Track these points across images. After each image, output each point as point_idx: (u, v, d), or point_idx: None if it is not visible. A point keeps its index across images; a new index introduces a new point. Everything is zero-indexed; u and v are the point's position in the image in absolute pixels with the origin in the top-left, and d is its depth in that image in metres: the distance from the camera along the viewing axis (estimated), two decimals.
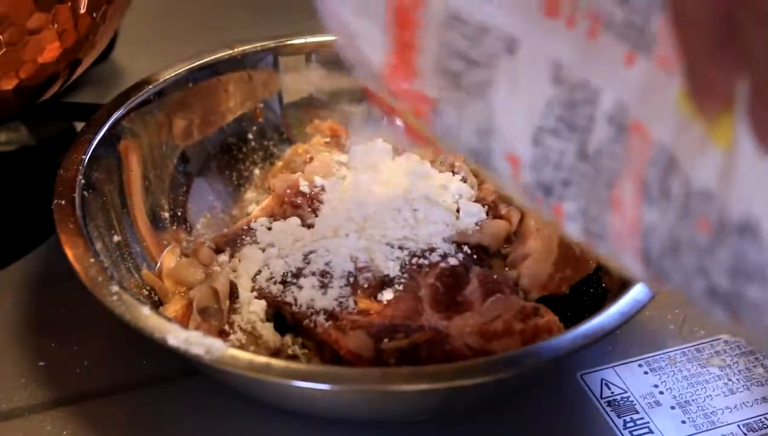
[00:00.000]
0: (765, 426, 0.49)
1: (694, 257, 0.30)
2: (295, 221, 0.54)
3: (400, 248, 0.52)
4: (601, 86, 0.30)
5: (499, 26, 0.32)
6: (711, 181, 0.29)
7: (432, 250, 0.52)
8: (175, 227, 0.57)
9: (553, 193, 0.33)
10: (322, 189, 0.55)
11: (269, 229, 0.54)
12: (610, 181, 0.30)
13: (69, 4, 0.53)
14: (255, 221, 0.55)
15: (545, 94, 0.31)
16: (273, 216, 0.55)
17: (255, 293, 0.51)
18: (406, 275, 0.51)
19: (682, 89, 0.29)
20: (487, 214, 0.54)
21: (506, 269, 0.53)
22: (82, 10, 0.54)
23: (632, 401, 0.50)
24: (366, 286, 0.50)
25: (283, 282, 0.51)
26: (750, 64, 0.27)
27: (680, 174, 0.29)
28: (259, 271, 0.52)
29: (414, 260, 0.51)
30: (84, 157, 0.53)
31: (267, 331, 0.50)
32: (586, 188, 0.31)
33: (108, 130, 0.55)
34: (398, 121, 0.37)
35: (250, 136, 0.61)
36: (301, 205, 0.55)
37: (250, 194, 0.60)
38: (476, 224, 0.54)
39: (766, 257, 0.28)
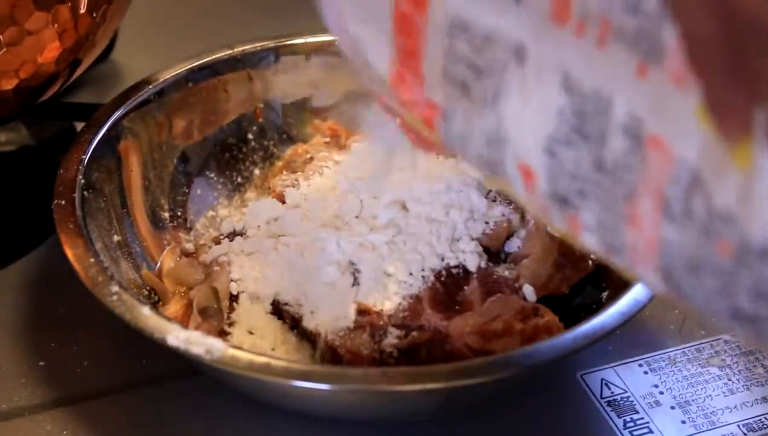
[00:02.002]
0: (765, 426, 0.49)
1: (716, 280, 0.29)
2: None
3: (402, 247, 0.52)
4: (612, 96, 0.29)
5: (505, 33, 0.31)
6: (732, 202, 0.28)
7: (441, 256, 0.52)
8: (175, 227, 0.57)
9: (570, 204, 0.33)
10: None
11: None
12: (628, 194, 0.30)
13: (69, 4, 0.53)
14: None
15: (556, 104, 0.30)
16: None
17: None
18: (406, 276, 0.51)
19: (701, 105, 0.28)
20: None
21: (506, 269, 0.53)
22: (82, 10, 0.54)
23: (632, 401, 0.50)
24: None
25: None
26: (764, 91, 0.26)
27: (704, 193, 0.29)
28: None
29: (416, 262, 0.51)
30: (84, 157, 0.53)
31: (267, 329, 0.50)
32: (603, 200, 0.30)
33: (108, 130, 0.55)
34: (406, 127, 0.37)
35: (250, 136, 0.61)
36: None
37: (250, 194, 0.60)
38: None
39: None
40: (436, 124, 0.35)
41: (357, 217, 0.53)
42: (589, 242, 0.33)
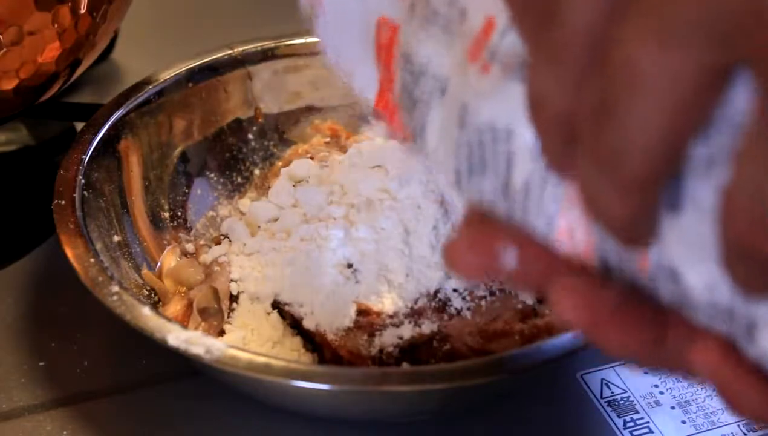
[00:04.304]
0: (765, 426, 0.49)
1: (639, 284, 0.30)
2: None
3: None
4: (511, 125, 0.30)
5: (435, 67, 0.32)
6: None
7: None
8: (175, 227, 0.57)
9: None
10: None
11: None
12: (551, 215, 0.30)
13: (69, 4, 0.53)
14: None
15: (455, 138, 0.31)
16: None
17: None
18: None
19: None
20: None
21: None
22: (82, 10, 0.54)
23: (632, 401, 0.50)
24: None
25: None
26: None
27: None
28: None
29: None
30: (84, 157, 0.53)
31: (267, 329, 0.50)
32: (519, 221, 0.31)
33: (108, 130, 0.55)
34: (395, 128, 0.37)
35: (250, 136, 0.61)
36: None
37: (250, 194, 0.60)
38: None
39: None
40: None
41: (357, 217, 0.53)
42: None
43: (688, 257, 0.27)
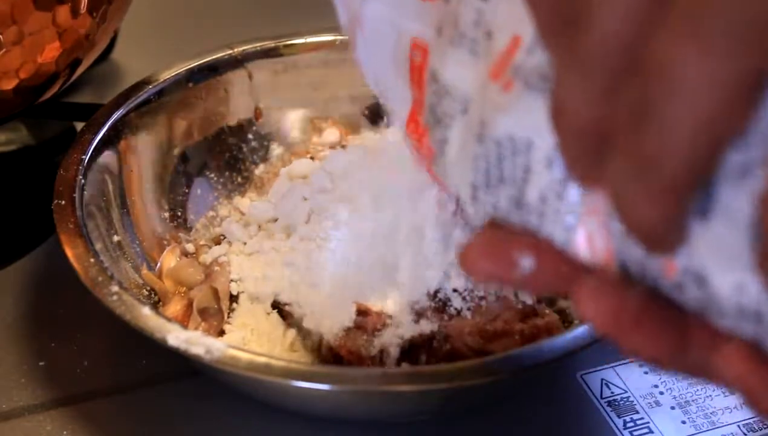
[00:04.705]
0: (765, 426, 0.49)
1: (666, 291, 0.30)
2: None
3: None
4: (531, 137, 0.30)
5: (459, 88, 0.33)
6: None
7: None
8: (175, 227, 0.57)
9: None
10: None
11: None
12: (570, 224, 0.31)
13: (69, 4, 0.53)
14: None
15: (473, 152, 0.32)
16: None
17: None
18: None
19: None
20: None
21: None
22: (82, 10, 0.54)
23: (632, 401, 0.50)
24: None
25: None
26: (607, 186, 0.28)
27: None
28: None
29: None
30: (84, 157, 0.53)
31: (267, 329, 0.50)
32: (535, 231, 0.32)
33: (108, 130, 0.55)
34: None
35: (250, 136, 0.61)
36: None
37: (250, 194, 0.60)
38: None
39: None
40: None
41: (357, 216, 0.53)
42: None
43: (716, 262, 0.28)
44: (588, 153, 0.28)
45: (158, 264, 0.54)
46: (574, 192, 0.30)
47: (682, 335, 0.29)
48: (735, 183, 0.26)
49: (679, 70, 0.25)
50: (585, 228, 0.30)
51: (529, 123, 0.30)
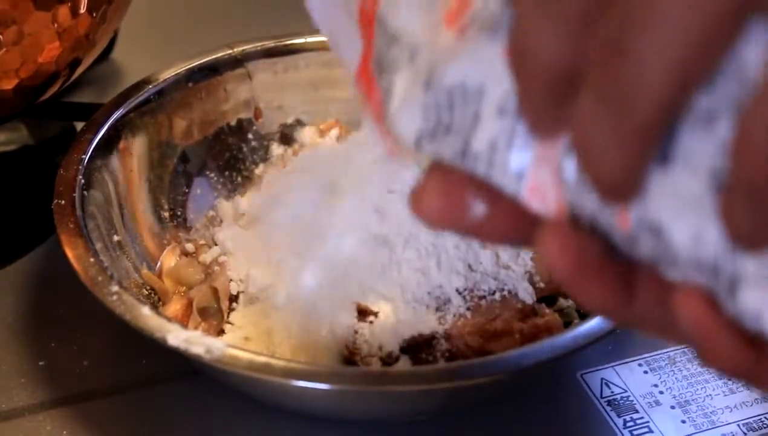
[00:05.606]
0: (765, 426, 0.49)
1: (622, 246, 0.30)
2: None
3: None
4: (484, 83, 0.29)
5: (408, 34, 0.32)
6: None
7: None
8: (175, 227, 0.57)
9: None
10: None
11: None
12: (520, 173, 0.30)
13: (69, 4, 0.53)
14: None
15: (421, 100, 0.31)
16: None
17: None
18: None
19: None
20: None
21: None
22: (82, 10, 0.54)
23: (632, 401, 0.50)
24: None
25: None
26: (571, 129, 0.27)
27: None
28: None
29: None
30: (84, 157, 0.53)
31: (267, 327, 0.50)
32: (484, 180, 0.31)
33: (108, 130, 0.55)
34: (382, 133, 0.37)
35: (250, 136, 0.61)
36: None
37: (250, 194, 0.60)
38: None
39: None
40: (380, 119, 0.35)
41: (357, 215, 0.53)
42: None
43: (674, 210, 0.27)
44: (550, 96, 0.27)
45: (158, 264, 0.54)
46: (525, 141, 0.29)
47: (630, 286, 0.29)
48: (699, 129, 0.26)
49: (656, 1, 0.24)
50: (535, 179, 0.29)
51: (483, 69, 0.29)
